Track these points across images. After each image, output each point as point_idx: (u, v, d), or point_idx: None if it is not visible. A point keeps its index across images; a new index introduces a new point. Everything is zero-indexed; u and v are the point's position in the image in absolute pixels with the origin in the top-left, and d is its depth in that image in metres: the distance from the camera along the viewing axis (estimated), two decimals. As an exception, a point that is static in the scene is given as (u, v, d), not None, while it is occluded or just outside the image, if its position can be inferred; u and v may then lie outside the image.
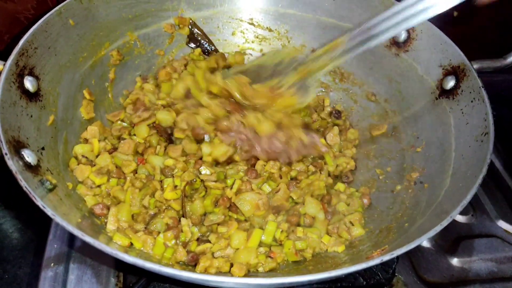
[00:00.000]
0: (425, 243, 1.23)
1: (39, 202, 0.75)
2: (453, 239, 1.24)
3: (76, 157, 1.09)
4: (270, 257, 1.00)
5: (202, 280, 0.76)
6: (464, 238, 1.24)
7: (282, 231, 1.04)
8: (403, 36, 1.26)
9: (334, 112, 1.37)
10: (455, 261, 1.20)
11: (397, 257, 1.09)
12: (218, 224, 1.03)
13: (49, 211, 0.74)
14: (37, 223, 1.28)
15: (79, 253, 1.11)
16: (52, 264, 1.09)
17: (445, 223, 0.80)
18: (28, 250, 1.29)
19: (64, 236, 1.15)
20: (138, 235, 0.97)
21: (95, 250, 0.73)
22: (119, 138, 1.19)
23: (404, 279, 1.15)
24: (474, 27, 1.48)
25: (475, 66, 1.11)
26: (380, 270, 1.09)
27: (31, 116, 0.99)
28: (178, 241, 0.99)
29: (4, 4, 1.32)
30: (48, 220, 1.15)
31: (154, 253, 0.96)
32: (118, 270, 1.10)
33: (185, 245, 0.99)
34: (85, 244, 0.70)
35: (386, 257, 0.75)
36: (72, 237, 1.14)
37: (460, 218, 1.30)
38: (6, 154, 0.81)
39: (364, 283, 1.07)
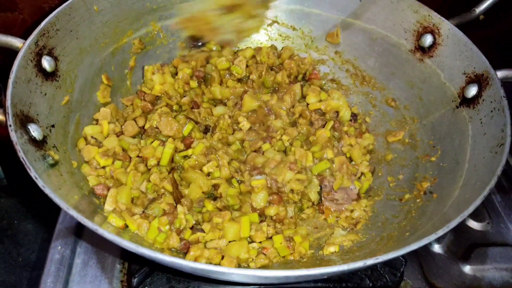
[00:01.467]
0: (437, 249, 1.18)
1: (32, 173, 0.78)
2: (467, 246, 1.19)
3: (85, 138, 1.12)
4: (263, 253, 0.98)
5: (191, 268, 0.75)
6: (478, 245, 1.19)
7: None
8: (428, 41, 1.22)
9: (351, 115, 1.33)
10: (467, 269, 1.15)
11: (405, 260, 1.05)
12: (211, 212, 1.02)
13: (40, 182, 0.76)
14: (49, 210, 1.32)
15: (85, 241, 1.13)
16: (59, 247, 1.12)
17: (440, 232, 0.75)
18: (41, 235, 1.34)
19: (72, 222, 1.17)
20: (134, 218, 0.98)
21: (99, 236, 0.74)
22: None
23: (413, 283, 1.10)
24: (500, 32, 1.40)
25: (500, 75, 1.05)
26: (388, 273, 1.05)
27: (45, 94, 1.03)
28: (172, 227, 0.99)
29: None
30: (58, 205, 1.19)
31: (147, 237, 0.97)
32: (123, 259, 1.11)
33: (179, 232, 0.99)
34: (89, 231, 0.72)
35: (370, 261, 0.71)
36: (80, 224, 1.16)
37: (475, 225, 1.24)
38: (10, 125, 0.84)
39: (371, 284, 1.04)
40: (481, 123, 1.03)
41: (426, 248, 1.17)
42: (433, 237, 0.74)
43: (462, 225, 1.22)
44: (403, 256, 1.03)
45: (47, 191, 0.76)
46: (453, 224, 0.77)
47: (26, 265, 1.26)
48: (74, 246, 1.13)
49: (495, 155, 0.92)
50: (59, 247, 1.12)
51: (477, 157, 0.98)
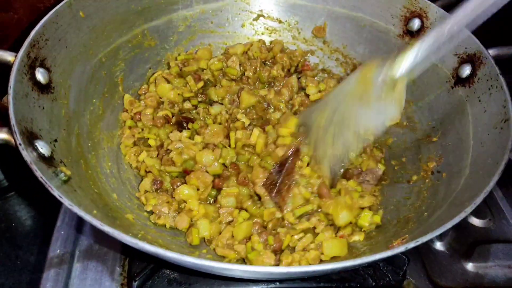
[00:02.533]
0: (439, 246, 1.19)
1: (56, 192, 0.74)
2: (469, 243, 1.19)
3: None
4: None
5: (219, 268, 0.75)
6: (481, 242, 1.19)
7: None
8: (416, 25, 1.25)
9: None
10: (470, 266, 1.16)
11: (408, 259, 1.06)
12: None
13: (66, 201, 0.73)
14: (49, 211, 1.28)
15: (86, 239, 1.12)
16: (58, 251, 1.10)
17: (469, 209, 0.78)
18: (40, 237, 1.30)
19: (71, 223, 1.15)
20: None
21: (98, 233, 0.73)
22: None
23: (416, 282, 1.11)
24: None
25: (492, 53, 1.09)
26: (391, 272, 1.06)
27: (43, 108, 0.98)
28: (267, 246, 0.98)
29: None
30: (57, 207, 1.16)
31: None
32: (124, 255, 1.10)
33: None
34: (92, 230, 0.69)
35: (411, 245, 0.73)
36: (79, 223, 1.15)
37: (477, 222, 1.25)
38: (20, 144, 0.80)
39: (373, 284, 1.04)
40: (479, 101, 1.07)
41: (428, 246, 1.18)
42: (463, 214, 0.77)
43: (463, 222, 1.20)
44: (405, 254, 1.06)
45: (76, 210, 0.73)
46: (479, 200, 0.80)
47: (24, 267, 1.22)
48: (73, 249, 1.11)
49: (501, 131, 0.96)
50: (58, 250, 1.10)
51: (481, 134, 1.02)
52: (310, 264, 0.95)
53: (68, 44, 1.10)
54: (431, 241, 1.18)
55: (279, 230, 1.00)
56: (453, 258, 1.17)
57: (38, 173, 0.76)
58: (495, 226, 1.24)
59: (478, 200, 0.80)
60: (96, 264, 1.08)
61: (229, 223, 1.04)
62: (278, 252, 0.97)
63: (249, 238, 0.99)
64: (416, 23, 1.25)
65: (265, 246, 0.96)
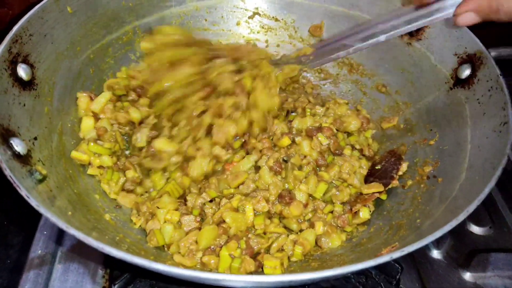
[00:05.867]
0: (436, 254, 1.13)
1: (23, 192, 0.71)
2: (467, 252, 1.14)
3: None
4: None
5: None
6: (480, 251, 1.13)
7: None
8: (415, 23, 1.20)
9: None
10: (467, 276, 1.10)
11: (402, 267, 1.01)
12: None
13: (33, 202, 0.70)
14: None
15: (69, 239, 1.09)
16: (40, 251, 1.07)
17: (461, 217, 0.73)
18: (32, 236, 1.27)
19: (53, 226, 1.12)
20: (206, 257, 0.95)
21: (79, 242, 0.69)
22: None
23: None
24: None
25: (493, 53, 1.04)
26: (383, 281, 1.01)
27: (24, 105, 0.95)
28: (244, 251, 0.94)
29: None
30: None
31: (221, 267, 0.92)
32: (105, 265, 1.06)
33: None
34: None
35: (396, 254, 0.69)
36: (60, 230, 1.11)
37: (477, 230, 1.19)
38: (-8, 141, 0.77)
39: None
40: (479, 103, 1.02)
41: (424, 254, 1.13)
42: (455, 222, 0.72)
43: (462, 230, 1.18)
44: (399, 262, 1.01)
45: (42, 210, 0.69)
46: (472, 207, 0.75)
47: (15, 267, 1.20)
48: (55, 250, 1.08)
49: (499, 134, 0.91)
50: (40, 251, 1.07)
51: (479, 137, 0.97)
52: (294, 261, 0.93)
53: (54, 40, 1.07)
54: (427, 248, 1.13)
55: (250, 236, 0.97)
56: (450, 267, 1.11)
57: (7, 172, 0.74)
58: (496, 234, 1.18)
59: (472, 207, 0.75)
60: (78, 266, 1.05)
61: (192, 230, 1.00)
62: (251, 256, 0.93)
63: (219, 247, 0.94)
64: (415, 22, 1.20)
65: (241, 251, 0.91)
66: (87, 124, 1.12)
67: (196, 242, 0.94)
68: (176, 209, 1.01)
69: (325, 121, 1.20)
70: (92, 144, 1.07)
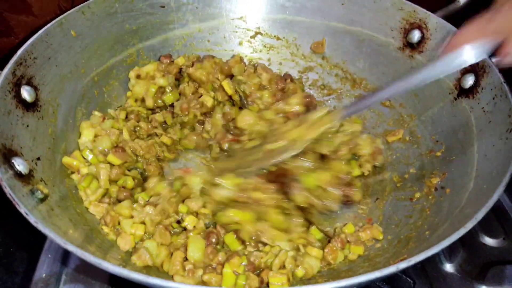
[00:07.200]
0: (449, 268, 1.09)
1: (22, 209, 0.71)
2: (482, 265, 1.10)
3: None
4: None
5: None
6: (494, 263, 1.10)
7: None
8: (416, 37, 1.20)
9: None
10: None
11: (415, 282, 0.97)
12: None
13: (31, 218, 0.69)
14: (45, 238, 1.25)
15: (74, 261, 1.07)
16: (44, 275, 1.05)
17: (469, 225, 0.71)
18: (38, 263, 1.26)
19: (58, 250, 1.09)
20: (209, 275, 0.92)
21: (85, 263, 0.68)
22: None
23: None
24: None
25: (495, 61, 1.03)
26: None
27: (27, 126, 0.96)
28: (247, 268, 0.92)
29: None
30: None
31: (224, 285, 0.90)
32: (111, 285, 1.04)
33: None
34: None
35: (403, 265, 0.66)
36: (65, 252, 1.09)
37: (490, 242, 1.16)
38: (-6, 160, 0.77)
39: None
40: (484, 111, 1.01)
41: (437, 267, 1.09)
42: (463, 231, 0.70)
43: (475, 242, 1.14)
44: (411, 276, 0.98)
45: (41, 227, 0.69)
46: (480, 215, 0.73)
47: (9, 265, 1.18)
48: (60, 272, 1.05)
49: (506, 141, 0.89)
50: (44, 274, 1.05)
51: (486, 146, 0.95)
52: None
53: (58, 63, 1.09)
54: (439, 262, 1.10)
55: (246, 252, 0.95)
56: (464, 280, 1.08)
57: (7, 190, 0.74)
58: (510, 246, 1.15)
59: (480, 215, 0.73)
60: (84, 287, 1.03)
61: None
62: (254, 272, 0.91)
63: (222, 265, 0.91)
64: (416, 35, 1.20)
65: (244, 268, 0.89)
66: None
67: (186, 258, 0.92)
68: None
69: (340, 139, 1.14)
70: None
